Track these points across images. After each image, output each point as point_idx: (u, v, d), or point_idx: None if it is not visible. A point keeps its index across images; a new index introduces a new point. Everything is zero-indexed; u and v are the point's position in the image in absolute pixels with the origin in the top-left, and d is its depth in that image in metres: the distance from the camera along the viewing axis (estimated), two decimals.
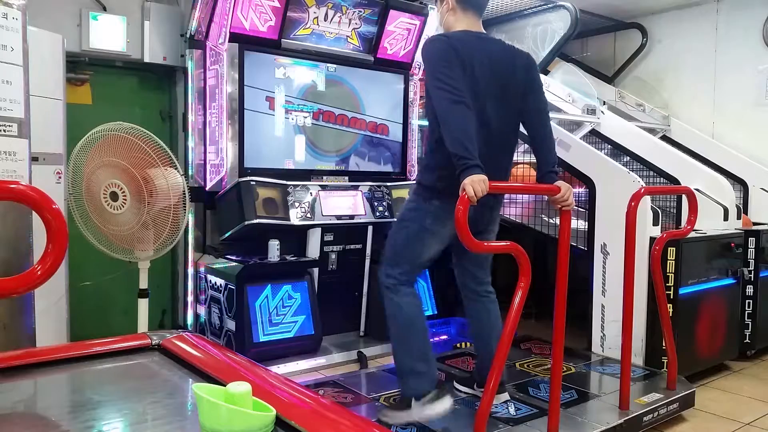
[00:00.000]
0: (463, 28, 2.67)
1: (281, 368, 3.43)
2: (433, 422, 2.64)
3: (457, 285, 2.97)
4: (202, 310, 3.86)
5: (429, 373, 2.58)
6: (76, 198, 3.02)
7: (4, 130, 2.27)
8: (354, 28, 4.09)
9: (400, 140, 4.41)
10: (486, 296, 2.88)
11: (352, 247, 3.97)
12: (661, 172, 4.23)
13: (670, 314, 3.23)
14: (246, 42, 3.68)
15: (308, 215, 3.72)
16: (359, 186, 4.05)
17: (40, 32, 2.90)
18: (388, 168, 4.37)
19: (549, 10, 4.71)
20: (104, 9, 3.83)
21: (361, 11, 4.04)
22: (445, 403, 2.54)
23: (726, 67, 5.16)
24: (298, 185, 3.77)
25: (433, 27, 4.28)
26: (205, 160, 3.88)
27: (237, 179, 3.65)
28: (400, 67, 4.38)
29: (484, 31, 2.75)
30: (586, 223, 3.78)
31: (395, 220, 2.83)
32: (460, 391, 3.01)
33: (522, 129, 2.78)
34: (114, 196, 3.02)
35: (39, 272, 1.37)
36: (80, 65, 3.86)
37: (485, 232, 2.75)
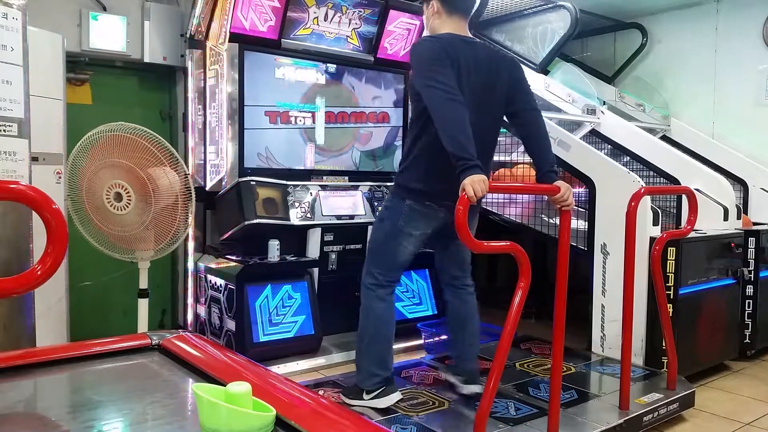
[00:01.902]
0: (449, 31, 2.68)
1: (281, 368, 3.43)
2: (434, 422, 2.67)
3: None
4: (202, 310, 3.86)
5: (381, 376, 2.79)
6: (73, 200, 3.00)
7: (4, 130, 2.27)
8: (354, 28, 4.09)
9: (400, 140, 4.41)
10: (462, 289, 3.00)
11: (352, 247, 3.97)
12: (661, 172, 4.22)
13: (670, 314, 3.22)
14: (246, 42, 3.68)
15: (308, 215, 3.72)
16: (359, 186, 4.05)
17: (40, 32, 2.90)
18: (388, 168, 4.37)
19: (549, 10, 4.71)
20: (104, 9, 3.83)
21: (361, 11, 4.04)
22: (389, 400, 2.79)
23: (726, 67, 5.16)
24: (298, 185, 3.77)
25: None
26: (205, 160, 3.88)
27: (237, 179, 3.65)
28: (400, 67, 4.38)
29: (470, 35, 2.76)
30: (586, 223, 3.78)
31: (377, 216, 3.02)
32: (446, 380, 3.08)
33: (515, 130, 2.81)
34: (118, 197, 3.02)
35: (39, 272, 1.37)
36: (80, 65, 3.86)
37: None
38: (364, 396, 2.80)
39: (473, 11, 2.85)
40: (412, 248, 2.80)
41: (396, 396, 2.82)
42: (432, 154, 2.58)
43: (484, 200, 2.68)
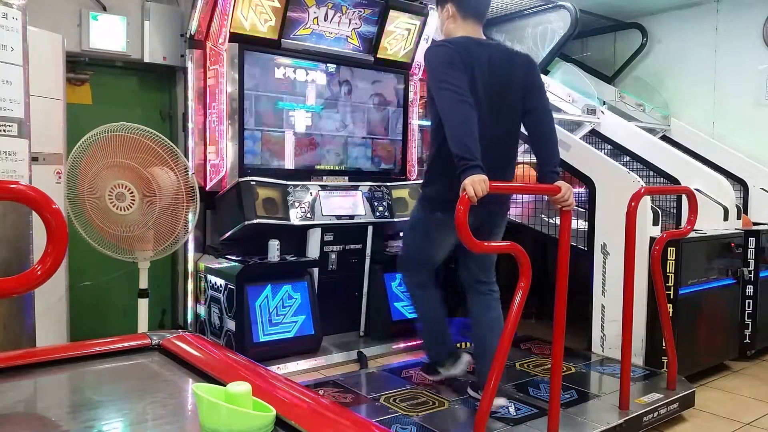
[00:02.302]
0: (463, 35, 2.69)
1: (281, 368, 3.43)
2: (434, 422, 2.67)
3: (459, 283, 3.05)
4: (202, 310, 3.86)
5: (444, 349, 3.07)
6: (73, 201, 2.98)
7: (4, 130, 2.27)
8: (354, 28, 4.09)
9: (400, 140, 4.41)
10: (489, 294, 2.92)
11: (352, 247, 3.97)
12: (661, 172, 4.23)
13: (670, 314, 3.23)
14: (246, 42, 3.68)
15: (308, 215, 3.72)
16: (359, 186, 4.05)
17: (40, 32, 2.89)
18: (388, 168, 4.37)
19: (549, 10, 4.71)
20: (104, 9, 3.83)
21: (361, 11, 4.04)
22: (459, 367, 3.01)
23: (726, 67, 5.16)
24: (298, 185, 3.77)
25: (433, 27, 4.28)
26: (205, 160, 3.88)
27: (237, 179, 3.65)
28: (400, 67, 4.38)
29: (485, 38, 2.77)
30: (586, 223, 3.78)
31: (406, 224, 3.17)
32: (473, 397, 2.96)
33: (523, 129, 2.80)
34: (120, 197, 3.01)
35: (39, 272, 1.37)
36: (80, 65, 3.86)
37: (488, 235, 2.75)
38: (440, 370, 3.06)
39: (486, 14, 2.87)
40: (447, 251, 2.93)
41: (466, 358, 3.01)
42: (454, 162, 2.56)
43: (512, 200, 2.77)
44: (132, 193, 3.02)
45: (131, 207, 3.02)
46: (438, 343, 3.09)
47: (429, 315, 3.06)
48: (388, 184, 4.16)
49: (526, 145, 3.78)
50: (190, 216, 3.19)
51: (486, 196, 2.26)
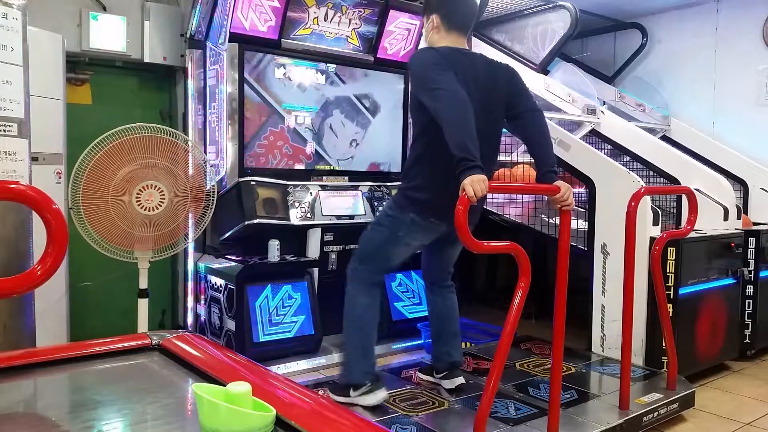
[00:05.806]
0: (447, 45, 2.72)
1: (281, 368, 3.43)
2: (433, 422, 2.67)
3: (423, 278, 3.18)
4: (202, 310, 3.86)
5: (366, 369, 2.80)
6: (75, 200, 2.96)
7: (4, 130, 2.27)
8: (354, 28, 4.09)
9: (401, 140, 4.41)
10: (446, 288, 3.10)
11: (352, 247, 3.93)
12: (661, 172, 4.23)
13: (670, 314, 3.23)
14: (246, 42, 3.68)
15: (308, 215, 3.72)
16: (359, 186, 4.05)
17: (40, 32, 2.90)
18: (388, 168, 4.37)
19: (549, 10, 4.72)
20: (104, 9, 3.83)
21: (361, 11, 4.04)
22: (376, 397, 2.77)
23: (726, 67, 5.16)
24: (298, 185, 3.77)
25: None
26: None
27: (237, 179, 3.65)
28: (400, 67, 4.37)
29: (467, 48, 2.82)
30: (586, 223, 3.78)
31: (375, 219, 3.13)
32: (423, 380, 3.13)
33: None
34: (149, 198, 3.04)
35: (39, 272, 1.37)
36: (80, 65, 3.87)
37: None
38: (351, 393, 2.78)
39: (472, 28, 2.90)
40: (407, 255, 2.91)
41: (383, 394, 2.79)
42: (438, 165, 2.60)
43: (488, 200, 2.71)
44: (162, 192, 3.04)
45: (160, 207, 3.03)
46: (363, 358, 2.79)
47: (364, 323, 2.80)
48: (388, 184, 4.16)
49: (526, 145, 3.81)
50: (209, 212, 3.32)
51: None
